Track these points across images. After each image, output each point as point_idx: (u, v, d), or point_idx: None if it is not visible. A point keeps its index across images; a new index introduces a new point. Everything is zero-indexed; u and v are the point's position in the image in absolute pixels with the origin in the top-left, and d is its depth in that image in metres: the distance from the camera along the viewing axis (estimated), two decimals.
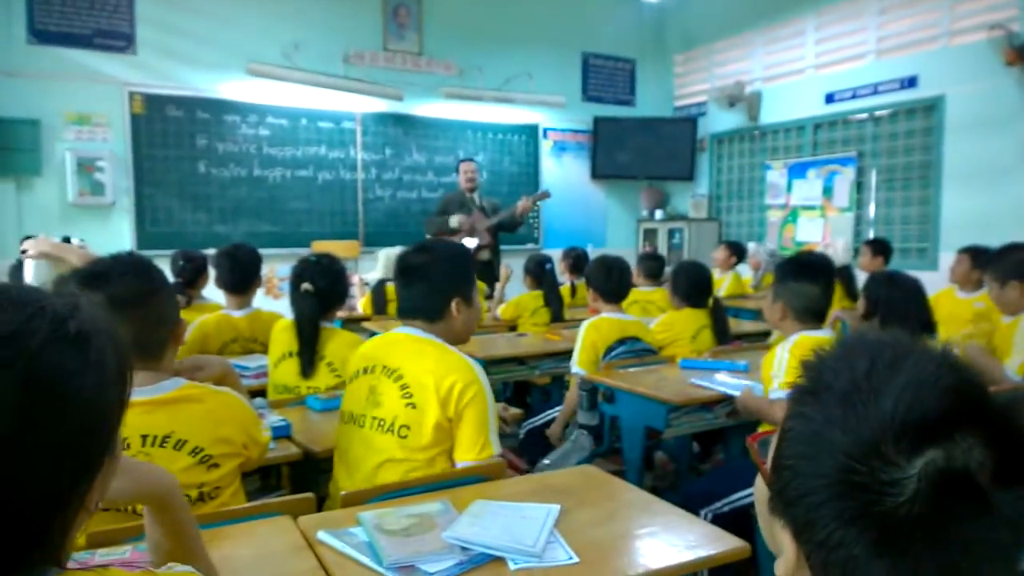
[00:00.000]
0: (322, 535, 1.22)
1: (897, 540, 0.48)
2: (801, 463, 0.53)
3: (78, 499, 0.58)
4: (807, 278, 2.24)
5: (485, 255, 5.38)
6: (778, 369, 2.16)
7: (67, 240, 2.43)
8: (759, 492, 0.63)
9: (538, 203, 5.70)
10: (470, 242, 5.34)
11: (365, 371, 1.73)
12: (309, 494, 1.42)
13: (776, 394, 2.15)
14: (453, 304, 1.73)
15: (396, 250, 4.84)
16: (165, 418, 1.33)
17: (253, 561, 1.17)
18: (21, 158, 5.28)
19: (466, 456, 1.61)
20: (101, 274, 1.36)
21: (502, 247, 6.24)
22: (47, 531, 0.55)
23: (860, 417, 0.51)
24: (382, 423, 1.64)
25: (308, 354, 2.25)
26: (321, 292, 2.31)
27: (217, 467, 1.37)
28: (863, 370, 0.53)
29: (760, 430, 1.92)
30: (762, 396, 2.37)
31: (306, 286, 2.28)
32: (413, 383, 1.63)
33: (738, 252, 5.97)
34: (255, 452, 1.49)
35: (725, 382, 2.58)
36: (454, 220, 5.36)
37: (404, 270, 1.79)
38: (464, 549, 1.17)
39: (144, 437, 1.30)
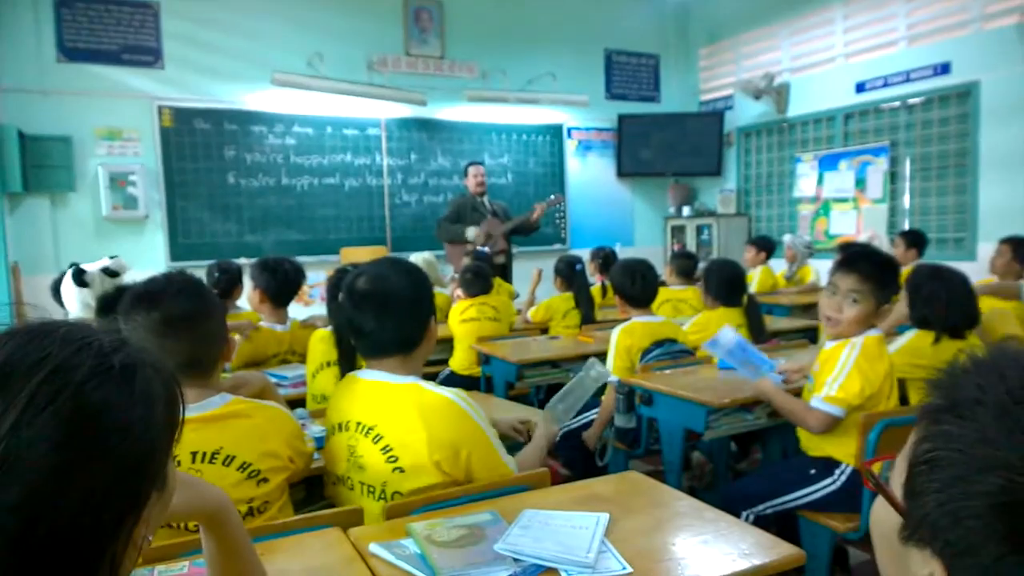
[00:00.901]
0: (374, 547, 1.22)
1: None
2: (955, 485, 0.49)
3: (125, 534, 0.57)
4: (896, 276, 2.15)
5: (500, 259, 5.36)
6: (836, 378, 2.06)
7: (113, 259, 2.47)
8: (881, 521, 0.58)
9: (551, 207, 5.68)
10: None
11: (340, 427, 1.55)
12: (357, 507, 1.42)
13: (819, 404, 2.07)
14: (431, 324, 1.58)
15: (429, 255, 4.86)
16: (214, 434, 1.34)
17: (306, 575, 1.17)
18: (55, 174, 5.40)
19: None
20: (155, 294, 1.38)
21: (528, 248, 6.24)
22: (95, 567, 0.55)
23: None
24: (372, 490, 1.47)
25: (347, 363, 2.25)
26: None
27: (266, 481, 1.38)
28: (1019, 382, 0.49)
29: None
30: (779, 384, 2.30)
31: (343, 295, 2.28)
32: (397, 444, 1.45)
33: (767, 247, 5.87)
34: (301, 463, 1.50)
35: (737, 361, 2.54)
36: (471, 233, 5.33)
37: (368, 299, 1.54)
38: (516, 560, 1.16)
39: (194, 454, 1.31)
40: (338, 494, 1.58)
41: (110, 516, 0.55)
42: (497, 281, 4.60)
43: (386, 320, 1.54)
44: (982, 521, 0.47)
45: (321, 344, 2.36)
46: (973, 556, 0.48)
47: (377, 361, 1.56)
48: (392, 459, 1.46)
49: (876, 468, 0.60)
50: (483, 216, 5.45)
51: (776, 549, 1.24)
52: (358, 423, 1.51)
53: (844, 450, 2.07)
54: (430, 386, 1.53)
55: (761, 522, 2.12)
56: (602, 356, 3.03)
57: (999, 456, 0.47)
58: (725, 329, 2.47)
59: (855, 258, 2.15)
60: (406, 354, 1.56)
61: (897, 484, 0.56)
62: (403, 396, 1.50)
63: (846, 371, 2.05)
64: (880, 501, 0.58)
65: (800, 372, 2.46)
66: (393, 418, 1.48)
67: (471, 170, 5.57)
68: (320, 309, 5.13)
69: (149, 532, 0.61)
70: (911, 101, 5.91)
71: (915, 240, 4.90)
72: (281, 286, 2.79)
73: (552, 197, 5.76)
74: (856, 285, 2.09)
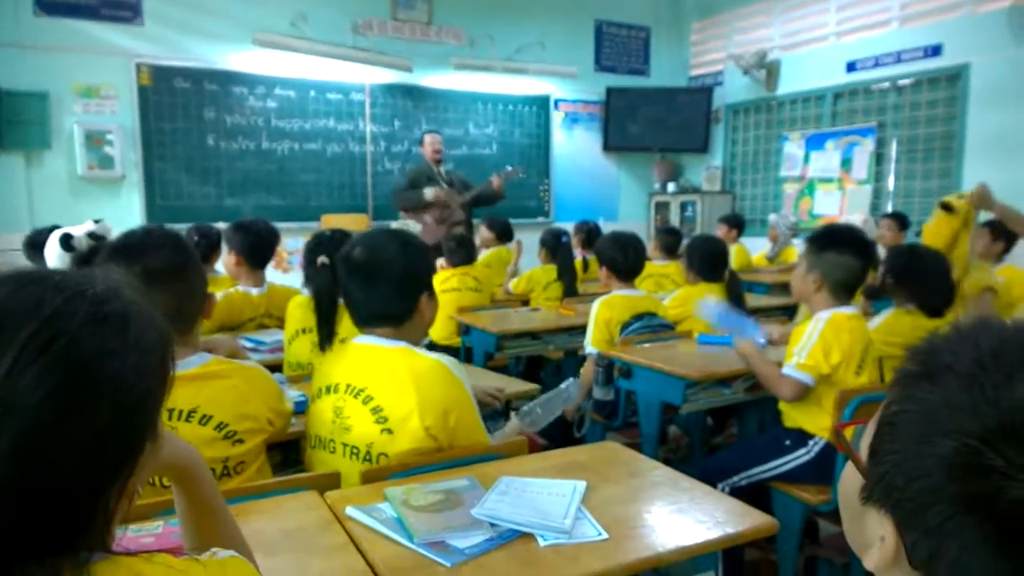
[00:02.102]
0: (351, 511, 1.22)
1: (1020, 534, 0.45)
2: (913, 446, 0.51)
3: (119, 484, 0.57)
4: (850, 251, 2.17)
5: (459, 230, 5.31)
6: (803, 347, 2.12)
7: (97, 223, 2.44)
8: (848, 482, 0.60)
9: (510, 178, 5.60)
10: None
11: (328, 390, 1.54)
12: (335, 471, 1.41)
13: (790, 371, 2.13)
14: (422, 300, 1.57)
15: (410, 224, 4.83)
16: (191, 393, 1.32)
17: (283, 536, 1.16)
18: (30, 131, 5.25)
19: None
20: (136, 247, 1.35)
21: (516, 221, 6.21)
22: (89, 516, 0.55)
23: (990, 399, 0.48)
24: (355, 452, 1.47)
25: (326, 329, 2.22)
26: (336, 267, 2.28)
27: (242, 442, 1.37)
28: (989, 351, 0.50)
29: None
30: (763, 346, 2.36)
31: (323, 259, 2.24)
32: (387, 406, 1.45)
33: (738, 225, 5.88)
34: (280, 423, 1.49)
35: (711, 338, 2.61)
36: (429, 192, 5.24)
37: (359, 270, 1.55)
38: (493, 525, 1.17)
39: (170, 411, 1.29)
40: (316, 458, 1.57)
41: (105, 465, 0.56)
42: (502, 251, 4.63)
43: (374, 292, 1.55)
44: (933, 483, 0.49)
45: (298, 310, 2.33)
46: (922, 516, 0.50)
47: (369, 329, 1.57)
48: (381, 420, 1.46)
49: (849, 433, 0.62)
50: (436, 185, 5.38)
51: (749, 518, 1.26)
52: (348, 385, 1.50)
53: (818, 423, 2.13)
54: (420, 351, 1.54)
55: (736, 494, 2.14)
56: (582, 328, 3.03)
57: (958, 421, 0.48)
58: (707, 299, 2.51)
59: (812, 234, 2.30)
60: (394, 327, 1.55)
61: (865, 447, 0.57)
62: (394, 359, 1.50)
63: (812, 341, 2.11)
64: (849, 465, 0.60)
65: (783, 338, 2.49)
66: (384, 380, 1.48)
67: (428, 138, 5.47)
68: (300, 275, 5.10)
69: (140, 483, 0.62)
70: (901, 82, 5.90)
71: (904, 223, 4.93)
72: (254, 245, 2.76)
73: (509, 168, 5.63)
74: (802, 252, 2.27)
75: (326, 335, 2.22)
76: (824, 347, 2.09)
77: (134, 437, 0.58)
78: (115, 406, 0.56)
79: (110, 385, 0.55)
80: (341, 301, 2.29)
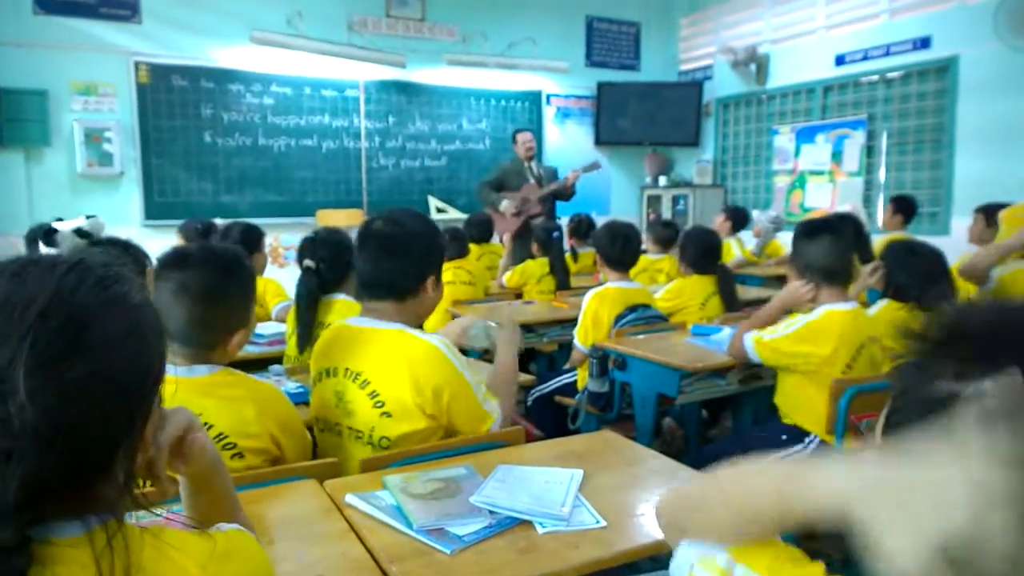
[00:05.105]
0: (350, 498, 1.24)
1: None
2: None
3: (132, 440, 0.63)
4: (822, 235, 2.18)
5: (539, 221, 5.37)
6: (777, 330, 2.15)
7: (90, 219, 2.46)
8: None
9: (587, 173, 5.66)
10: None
11: (328, 373, 1.58)
12: (333, 459, 1.43)
13: (749, 338, 2.21)
14: (429, 282, 1.61)
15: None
16: (195, 401, 1.29)
17: (283, 523, 1.18)
18: (30, 129, 5.28)
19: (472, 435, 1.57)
20: (182, 257, 1.40)
21: None
22: (108, 465, 0.61)
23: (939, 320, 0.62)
24: (360, 435, 1.52)
25: (303, 329, 2.24)
26: (322, 268, 2.27)
27: (241, 457, 1.35)
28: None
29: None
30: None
31: (307, 263, 2.27)
32: (383, 390, 1.49)
33: (734, 218, 5.84)
34: (288, 445, 1.44)
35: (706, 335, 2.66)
36: (504, 204, 5.32)
37: (375, 240, 1.59)
38: (491, 512, 1.19)
39: None
40: (326, 441, 1.61)
41: (117, 419, 0.61)
42: (493, 247, 4.65)
43: (386, 262, 1.58)
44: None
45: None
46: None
47: (370, 305, 1.60)
48: (379, 404, 1.49)
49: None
50: (526, 180, 5.46)
51: None
52: (346, 369, 1.54)
53: (812, 419, 2.10)
54: (415, 332, 1.56)
55: None
56: (575, 321, 3.04)
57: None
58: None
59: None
60: (398, 300, 1.58)
61: (878, 434, 0.69)
62: (389, 342, 1.53)
63: (793, 328, 2.14)
64: None
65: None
66: (380, 364, 1.51)
67: (520, 137, 5.54)
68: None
69: (149, 446, 0.69)
70: (890, 75, 5.93)
71: (902, 207, 4.87)
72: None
73: (590, 163, 5.66)
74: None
75: (304, 335, 2.24)
76: (797, 339, 2.11)
77: (146, 393, 0.64)
78: (123, 367, 0.60)
79: (119, 349, 0.60)
80: (333, 298, 2.32)
